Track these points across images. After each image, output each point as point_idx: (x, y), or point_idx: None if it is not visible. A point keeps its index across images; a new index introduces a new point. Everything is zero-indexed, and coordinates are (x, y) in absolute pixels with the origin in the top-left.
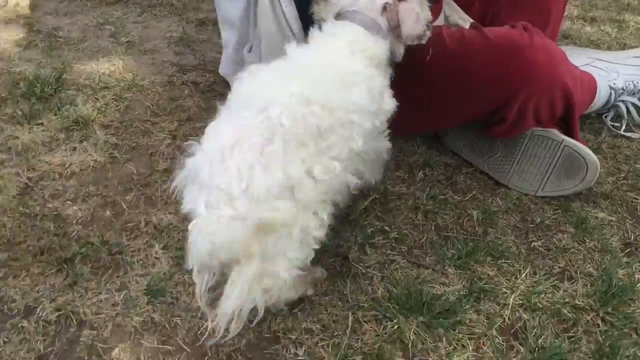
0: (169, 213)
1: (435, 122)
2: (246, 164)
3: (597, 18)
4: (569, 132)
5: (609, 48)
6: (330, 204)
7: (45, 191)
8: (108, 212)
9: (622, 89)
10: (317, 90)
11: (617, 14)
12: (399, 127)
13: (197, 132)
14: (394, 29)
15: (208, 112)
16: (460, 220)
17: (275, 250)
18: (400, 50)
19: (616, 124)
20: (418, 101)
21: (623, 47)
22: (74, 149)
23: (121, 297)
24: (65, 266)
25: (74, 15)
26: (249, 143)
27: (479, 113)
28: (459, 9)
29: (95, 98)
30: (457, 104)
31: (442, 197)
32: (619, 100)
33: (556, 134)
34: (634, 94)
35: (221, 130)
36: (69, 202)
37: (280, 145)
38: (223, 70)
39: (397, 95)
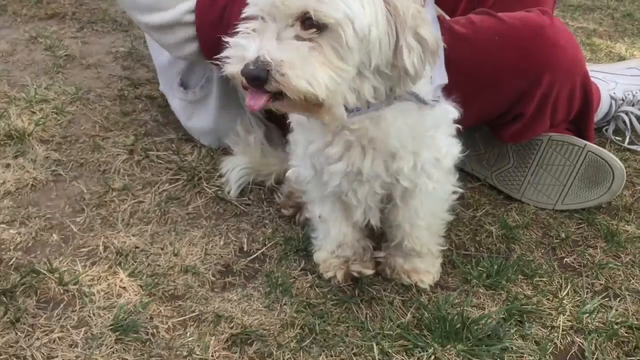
0: (133, 235)
1: None
2: None
3: (573, 36)
4: (583, 137)
5: None
6: None
7: None
8: (55, 236)
9: (622, 99)
10: None
11: (586, 38)
12: None
13: (159, 147)
14: None
15: (168, 128)
16: (478, 238)
17: None
18: None
19: (618, 138)
20: None
21: None
22: (7, 165)
23: (80, 335)
24: (4, 299)
25: (1, 29)
26: None
27: (497, 106)
28: (443, 13)
29: (32, 112)
30: (473, 95)
31: (452, 212)
32: (620, 111)
33: (576, 139)
34: (633, 104)
35: None
36: (3, 225)
37: None
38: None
39: None
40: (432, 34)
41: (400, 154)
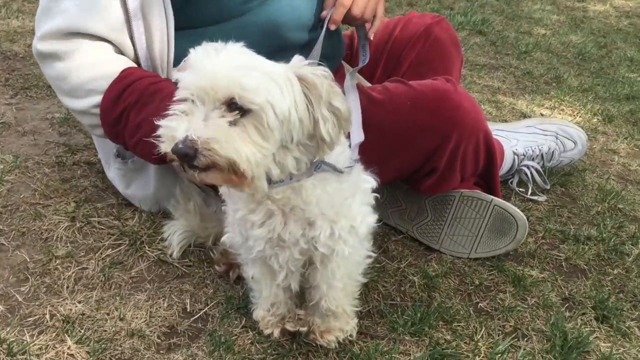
0: (78, 302)
1: None
2: None
3: (474, 99)
4: (491, 190)
5: None
6: None
7: None
8: (0, 307)
9: (523, 154)
10: None
11: (492, 95)
12: None
13: (100, 213)
14: None
15: (108, 193)
16: (403, 288)
17: None
18: None
19: (521, 189)
20: None
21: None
22: None
23: None
24: None
25: None
26: None
27: (412, 162)
28: (362, 78)
29: None
30: (390, 154)
31: (378, 265)
32: (522, 165)
33: (484, 194)
34: (533, 159)
35: None
36: None
37: None
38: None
39: None
40: (344, 104)
41: (318, 222)
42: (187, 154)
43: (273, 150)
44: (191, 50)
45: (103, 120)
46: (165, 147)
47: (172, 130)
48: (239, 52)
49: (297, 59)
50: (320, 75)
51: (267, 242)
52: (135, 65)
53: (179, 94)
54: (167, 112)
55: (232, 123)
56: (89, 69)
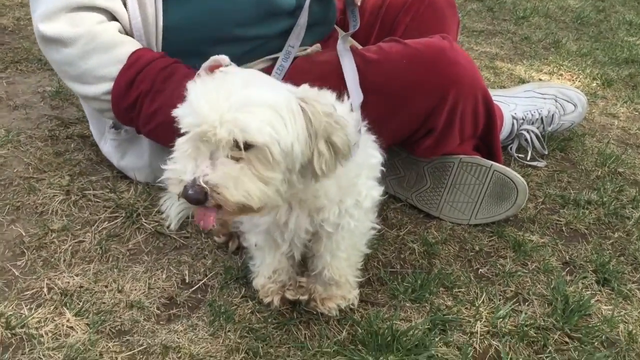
0: (76, 275)
1: None
2: None
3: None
4: (492, 154)
5: None
6: None
7: None
8: None
9: (522, 118)
10: None
11: (490, 62)
12: None
13: (95, 186)
14: None
15: (102, 166)
16: (402, 255)
17: None
18: None
19: (521, 155)
20: None
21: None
22: None
23: None
24: None
25: None
26: None
27: (410, 123)
28: (356, 43)
29: None
30: (388, 114)
31: (378, 233)
32: (522, 130)
33: (484, 160)
34: (532, 123)
35: None
36: None
37: None
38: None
39: None
40: (343, 139)
41: (326, 206)
42: (199, 200)
43: (280, 177)
44: (189, 84)
45: (115, 106)
46: (173, 189)
47: (179, 173)
48: (240, 83)
49: (304, 87)
50: (321, 111)
51: (272, 222)
52: (140, 45)
53: (182, 135)
54: (182, 96)
55: (238, 159)
56: (97, 55)
